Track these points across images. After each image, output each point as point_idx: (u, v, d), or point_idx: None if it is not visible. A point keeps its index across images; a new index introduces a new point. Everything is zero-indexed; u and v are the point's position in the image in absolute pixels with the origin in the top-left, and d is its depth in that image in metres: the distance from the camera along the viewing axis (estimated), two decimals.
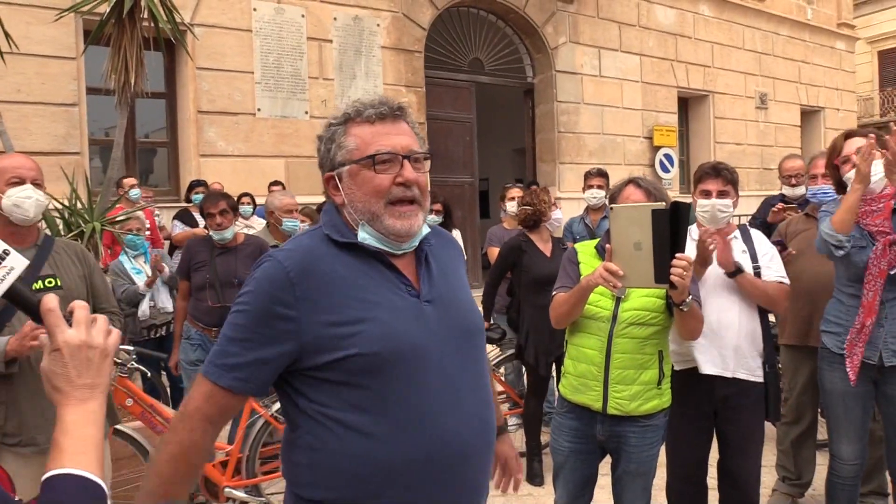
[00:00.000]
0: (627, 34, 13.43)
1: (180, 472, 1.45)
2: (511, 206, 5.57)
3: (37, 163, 2.69)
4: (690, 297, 2.49)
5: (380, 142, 1.51)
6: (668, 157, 13.87)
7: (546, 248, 4.46)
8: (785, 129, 16.47)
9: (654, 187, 2.73)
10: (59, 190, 5.30)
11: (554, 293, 2.82)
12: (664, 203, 2.26)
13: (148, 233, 6.07)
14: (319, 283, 1.46)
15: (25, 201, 2.54)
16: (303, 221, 6.48)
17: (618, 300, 2.70)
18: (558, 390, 2.94)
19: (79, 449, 0.99)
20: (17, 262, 1.11)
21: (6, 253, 1.10)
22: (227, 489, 3.85)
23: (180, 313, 4.57)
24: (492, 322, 4.82)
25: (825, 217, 3.08)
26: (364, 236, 1.52)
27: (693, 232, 3.12)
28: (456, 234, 5.66)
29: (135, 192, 7.03)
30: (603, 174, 5.75)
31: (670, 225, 2.21)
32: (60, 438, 1.00)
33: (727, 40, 15.21)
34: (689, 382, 3.00)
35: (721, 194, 3.00)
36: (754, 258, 3.03)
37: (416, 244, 1.59)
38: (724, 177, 3.01)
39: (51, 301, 1.06)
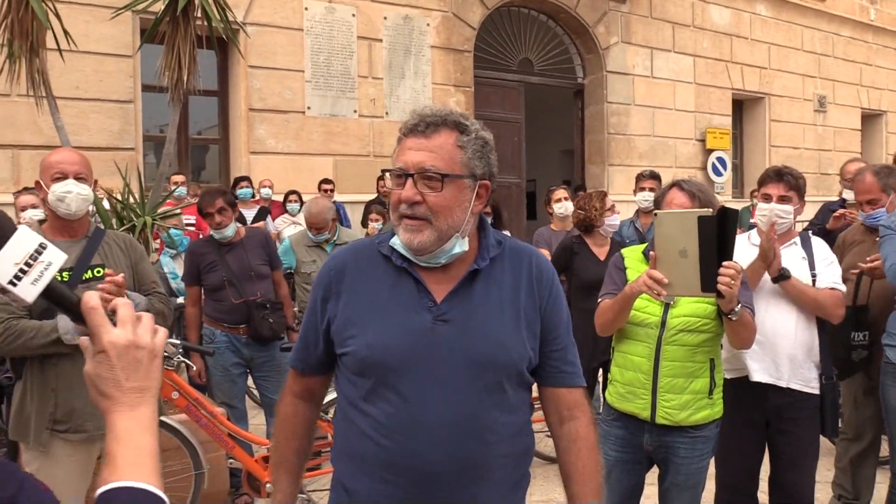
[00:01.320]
0: (681, 34, 13.18)
1: (282, 437, 1.78)
2: (557, 208, 5.50)
3: (83, 157, 2.73)
4: (740, 305, 2.39)
5: (399, 157, 1.56)
6: (720, 160, 13.58)
7: (600, 252, 4.38)
8: (844, 133, 15.98)
9: (700, 190, 2.64)
10: (114, 185, 5.40)
11: (599, 300, 2.75)
12: (711, 209, 2.18)
13: (191, 228, 6.15)
14: (349, 282, 1.63)
15: (67, 196, 2.60)
16: (375, 220, 6.55)
17: (666, 306, 2.61)
18: (604, 397, 2.87)
19: (135, 460, 0.91)
20: (55, 257, 0.99)
21: (43, 247, 0.98)
22: (268, 485, 3.86)
23: (192, 320, 4.46)
24: None
25: (889, 239, 2.94)
26: (395, 242, 1.60)
27: (753, 236, 3.02)
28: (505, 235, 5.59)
29: (179, 190, 7.13)
30: (655, 177, 5.63)
31: (718, 231, 2.14)
32: (114, 448, 0.91)
33: (785, 41, 14.82)
34: (740, 390, 2.90)
35: (782, 199, 2.89)
36: (812, 266, 2.91)
37: (442, 261, 1.58)
38: (786, 182, 2.90)
39: (92, 298, 0.96)
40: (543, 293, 1.65)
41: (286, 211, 8.02)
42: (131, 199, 4.52)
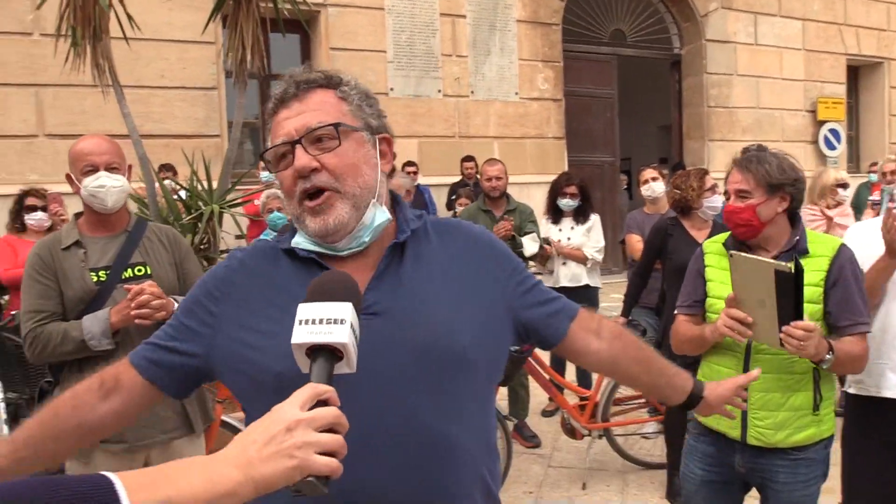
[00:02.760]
0: None
1: (47, 415, 1.31)
2: (645, 190, 5.16)
3: (114, 143, 2.54)
4: (832, 354, 2.12)
5: (276, 133, 1.29)
6: (833, 132, 12.62)
7: (699, 235, 4.00)
8: None
9: (758, 160, 2.27)
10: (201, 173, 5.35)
11: (676, 311, 2.46)
12: (788, 265, 1.96)
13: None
14: (252, 286, 1.31)
15: (99, 191, 2.43)
16: (463, 205, 6.16)
17: None
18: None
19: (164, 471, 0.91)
20: (342, 338, 1.01)
21: (341, 322, 1.02)
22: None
23: None
24: (630, 318, 4.43)
25: None
26: (298, 240, 1.31)
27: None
28: (594, 218, 5.28)
29: (265, 175, 7.10)
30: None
31: (794, 288, 1.99)
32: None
33: None
34: (871, 406, 2.53)
35: None
36: None
37: (366, 239, 1.29)
38: None
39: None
40: (506, 267, 1.40)
41: None
42: (199, 188, 4.44)
